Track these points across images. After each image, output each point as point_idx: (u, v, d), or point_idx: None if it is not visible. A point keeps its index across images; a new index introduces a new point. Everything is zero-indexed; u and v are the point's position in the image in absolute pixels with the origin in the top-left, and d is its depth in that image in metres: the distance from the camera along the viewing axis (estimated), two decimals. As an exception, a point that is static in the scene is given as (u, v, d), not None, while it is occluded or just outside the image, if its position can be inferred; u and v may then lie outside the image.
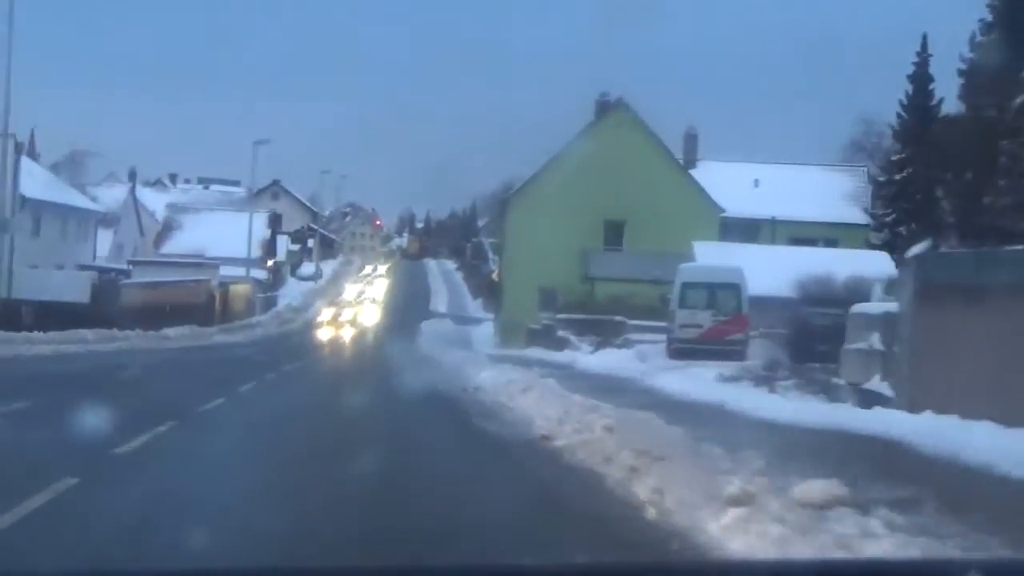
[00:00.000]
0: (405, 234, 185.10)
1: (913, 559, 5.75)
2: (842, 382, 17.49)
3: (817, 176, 60.23)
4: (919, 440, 10.09)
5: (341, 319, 72.97)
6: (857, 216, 58.05)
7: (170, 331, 50.84)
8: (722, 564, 5.85)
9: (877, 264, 44.98)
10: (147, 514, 7.68)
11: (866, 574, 4.40)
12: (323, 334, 58.84)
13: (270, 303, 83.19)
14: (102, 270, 67.33)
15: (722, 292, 36.88)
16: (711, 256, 43.58)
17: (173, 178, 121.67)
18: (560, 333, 42.87)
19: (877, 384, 15.66)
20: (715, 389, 19.82)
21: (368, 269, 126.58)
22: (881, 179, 56.80)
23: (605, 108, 56.21)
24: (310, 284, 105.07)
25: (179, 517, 7.44)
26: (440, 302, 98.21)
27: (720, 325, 36.25)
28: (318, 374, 27.82)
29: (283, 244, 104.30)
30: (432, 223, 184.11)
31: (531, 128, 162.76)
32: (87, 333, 43.68)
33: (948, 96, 51.30)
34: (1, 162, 38.47)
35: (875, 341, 15.81)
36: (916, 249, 17.96)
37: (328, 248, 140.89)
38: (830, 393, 17.73)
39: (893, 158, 54.82)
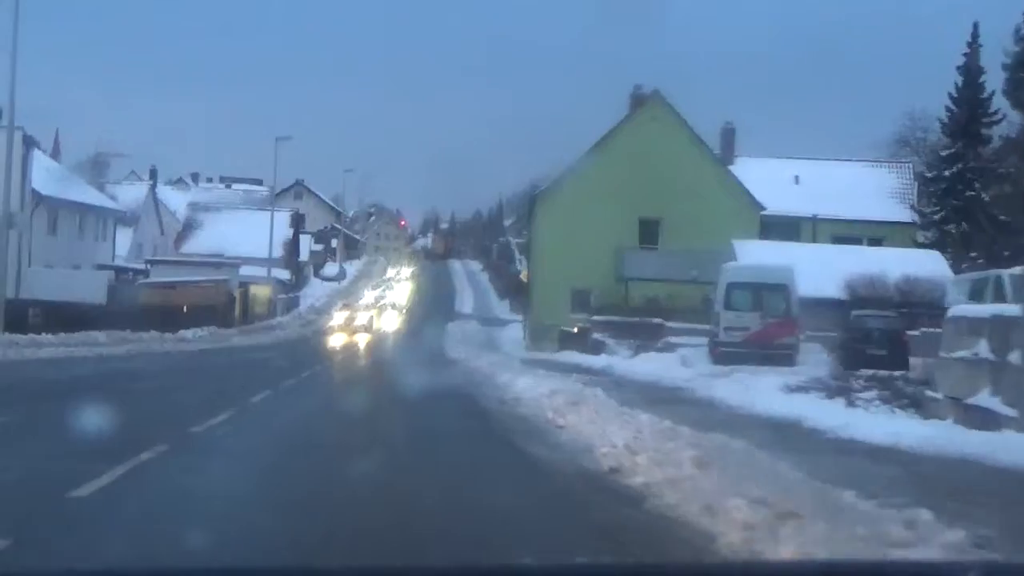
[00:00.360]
0: (429, 235, 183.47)
1: (913, 561, 5.53)
2: (939, 396, 15.20)
3: (860, 172, 57.76)
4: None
5: (355, 324, 66.35)
6: (902, 214, 55.53)
7: (188, 333, 49.23)
8: (722, 564, 5.80)
9: (929, 264, 42.57)
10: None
11: (866, 575, 4.38)
12: (336, 340, 54.33)
13: (292, 304, 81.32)
14: (120, 270, 65.68)
15: (770, 293, 34.62)
16: (754, 255, 41.28)
17: (195, 177, 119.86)
18: (595, 336, 40.65)
19: (986, 399, 13.38)
20: (785, 402, 17.62)
21: (391, 272, 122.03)
22: (929, 175, 54.29)
23: (639, 101, 53.87)
24: (334, 285, 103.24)
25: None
26: (466, 303, 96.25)
27: (769, 328, 33.99)
28: (338, 382, 25.62)
29: (306, 244, 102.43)
30: (457, 223, 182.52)
31: (560, 125, 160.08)
32: (100, 335, 42.05)
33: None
34: (7, 155, 36.44)
35: (982, 349, 13.51)
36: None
37: (352, 248, 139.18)
38: (923, 408, 15.46)
39: (942, 153, 52.33)
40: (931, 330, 38.39)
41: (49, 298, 47.88)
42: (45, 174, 60.65)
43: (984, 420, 13.07)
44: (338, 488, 8.64)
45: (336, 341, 52.43)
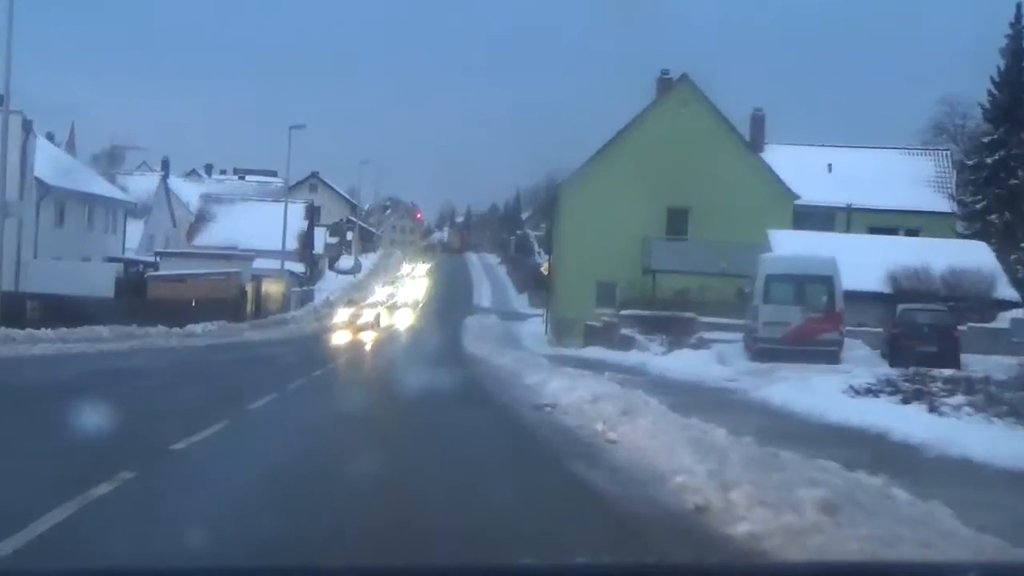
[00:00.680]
0: (445, 228, 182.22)
1: (913, 561, 5.32)
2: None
3: (896, 160, 55.47)
4: None
5: (360, 321, 60.53)
6: (940, 203, 53.30)
7: (197, 327, 47.49)
8: (722, 565, 5.56)
9: (975, 255, 40.26)
10: None
11: (866, 575, 4.30)
12: (340, 338, 49.03)
13: (306, 297, 79.42)
14: (129, 262, 63.84)
15: (813, 286, 32.49)
16: (790, 246, 39.06)
17: (208, 169, 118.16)
18: (624, 331, 38.53)
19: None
20: (857, 408, 15.50)
21: (406, 268, 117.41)
22: (970, 162, 51.96)
23: (666, 87, 51.66)
24: (349, 278, 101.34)
25: None
26: (484, 297, 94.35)
27: (811, 323, 31.86)
28: (351, 384, 23.47)
29: (321, 237, 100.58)
30: (473, 217, 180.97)
31: (580, 115, 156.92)
32: (103, 330, 40.24)
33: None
34: (1, 140, 34.51)
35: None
36: None
37: (368, 241, 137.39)
38: (1027, 418, 13.31)
39: (984, 139, 50.03)
40: (979, 325, 36.46)
41: (54, 291, 46.09)
42: (53, 164, 59.07)
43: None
44: (348, 540, 6.54)
45: (341, 339, 47.81)
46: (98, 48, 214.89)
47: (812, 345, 31.49)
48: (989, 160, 48.84)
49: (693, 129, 48.87)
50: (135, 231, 73.94)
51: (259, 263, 67.50)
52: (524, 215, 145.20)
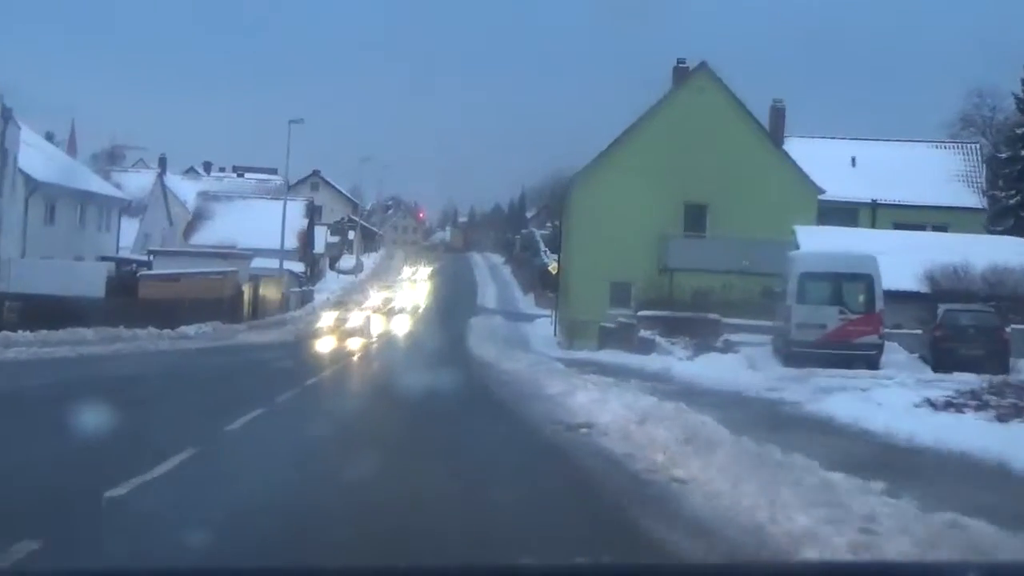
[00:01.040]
0: (448, 228, 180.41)
1: (913, 562, 5.30)
2: None
3: (922, 154, 52.94)
4: None
5: (347, 326, 52.64)
6: (970, 199, 50.84)
7: (190, 329, 45.30)
8: (722, 565, 5.59)
9: (1016, 252, 37.74)
10: None
11: (866, 575, 4.27)
12: (326, 345, 42.54)
13: (306, 298, 77.03)
14: (122, 262, 61.46)
15: (851, 285, 30.08)
16: (818, 243, 36.59)
17: (207, 167, 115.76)
18: (642, 333, 36.10)
19: None
20: (945, 426, 13.07)
21: (407, 271, 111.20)
22: (1001, 155, 49.48)
23: (683, 76, 49.12)
24: (350, 278, 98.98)
25: None
26: (488, 297, 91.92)
27: (849, 325, 29.43)
28: (349, 396, 20.90)
29: (321, 236, 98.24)
30: (476, 216, 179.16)
31: (591, 108, 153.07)
32: (88, 332, 38.04)
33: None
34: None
35: None
36: None
37: (370, 241, 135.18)
38: None
39: (1017, 131, 47.58)
40: (1022, 327, 34.03)
41: (41, 291, 43.86)
42: (44, 160, 56.92)
43: None
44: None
45: (326, 346, 41.62)
46: (98, 48, 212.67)
47: (850, 349, 29.15)
48: (1023, 153, 46.37)
49: (711, 120, 46.35)
50: (130, 229, 71.61)
51: (258, 262, 65.34)
52: (529, 214, 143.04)
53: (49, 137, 79.83)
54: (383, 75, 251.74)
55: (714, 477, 8.37)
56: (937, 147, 54.82)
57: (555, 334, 54.86)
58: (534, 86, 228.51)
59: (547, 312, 67.55)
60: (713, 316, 35.62)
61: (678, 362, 30.10)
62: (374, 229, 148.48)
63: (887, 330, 31.72)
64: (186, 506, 7.66)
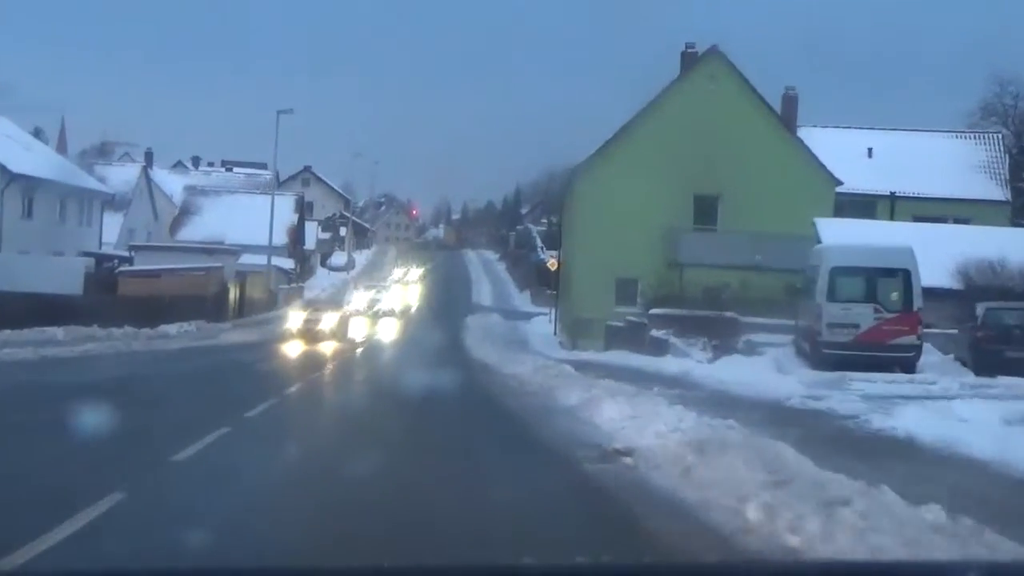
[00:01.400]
0: (441, 225, 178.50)
1: (913, 561, 5.33)
2: None
3: (941, 144, 50.44)
4: None
5: (317, 329, 43.54)
6: (992, 191, 48.37)
7: (171, 328, 42.94)
8: (722, 565, 5.52)
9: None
10: None
11: (866, 575, 4.23)
12: (295, 349, 36.71)
13: (296, 295, 74.40)
14: (103, 257, 58.88)
15: (886, 280, 27.59)
16: (839, 236, 34.02)
17: (196, 161, 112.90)
18: (654, 333, 33.53)
19: None
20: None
21: (398, 273, 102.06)
22: (1026, 146, 47.08)
23: (692, 62, 46.48)
24: (342, 275, 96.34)
25: None
26: (484, 295, 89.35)
27: (884, 324, 26.90)
28: (335, 405, 18.26)
29: (312, 231, 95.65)
30: (469, 213, 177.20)
31: (591, 99, 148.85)
32: (58, 331, 35.82)
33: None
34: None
35: None
36: None
37: (362, 237, 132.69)
38: None
39: (1045, 119, 45.18)
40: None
41: (14, 288, 41.50)
42: (21, 151, 54.57)
43: None
44: None
45: (297, 350, 36.06)
46: (89, 44, 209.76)
47: (885, 351, 26.66)
48: (1051, 142, 43.98)
49: (723, 107, 43.73)
50: (114, 225, 69.10)
51: (246, 258, 63.06)
52: (523, 210, 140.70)
53: (38, 133, 77.63)
54: (375, 71, 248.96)
55: (844, 549, 5.80)
56: (957, 137, 52.32)
57: (555, 333, 52.34)
58: (528, 79, 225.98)
59: (545, 310, 65.19)
60: (730, 315, 33.02)
61: (697, 365, 27.59)
62: (366, 226, 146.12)
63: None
64: None
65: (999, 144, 51.15)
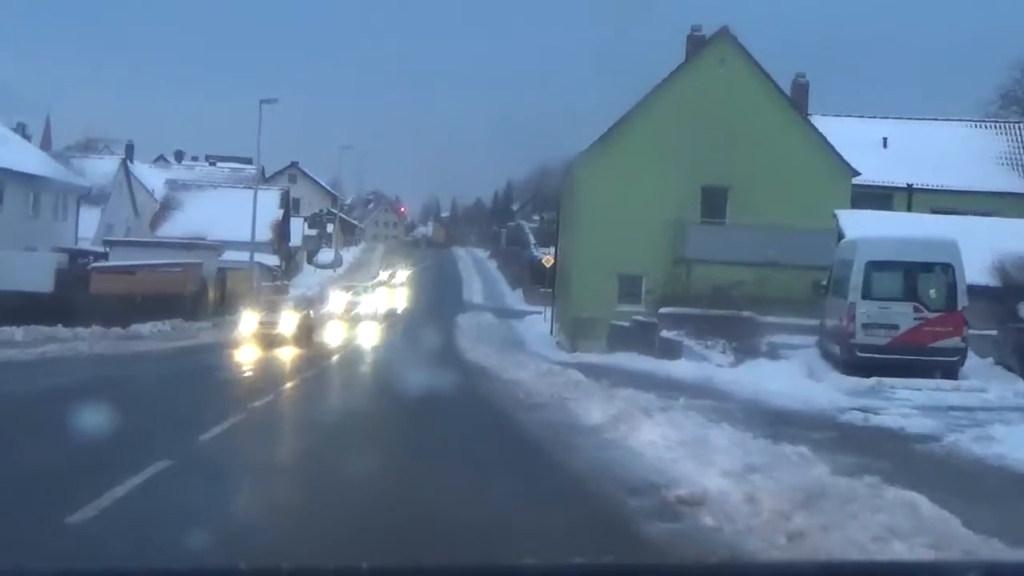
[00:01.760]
0: (430, 222, 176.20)
1: (913, 561, 5.28)
2: None
3: (960, 134, 47.89)
4: None
5: (273, 332, 36.47)
6: (1016, 182, 45.85)
7: (145, 327, 40.56)
8: (722, 564, 5.38)
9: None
10: None
11: (866, 575, 4.16)
12: (247, 354, 31.20)
13: (280, 293, 71.62)
14: (77, 253, 56.17)
15: (927, 276, 25.00)
16: (864, 229, 31.32)
17: (179, 156, 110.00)
18: (665, 334, 30.90)
19: None
20: None
21: (384, 275, 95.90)
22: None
23: (699, 45, 43.78)
24: (328, 273, 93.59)
25: None
26: (475, 293, 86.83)
27: (925, 325, 24.30)
28: (308, 424, 15.01)
29: (298, 228, 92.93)
30: (459, 210, 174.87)
31: (586, 91, 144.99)
32: (16, 331, 33.51)
33: None
34: None
35: None
36: None
37: (349, 234, 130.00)
38: None
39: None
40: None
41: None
42: (-7, 143, 52.11)
43: None
44: None
45: (250, 355, 30.83)
46: (73, 40, 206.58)
47: (926, 355, 24.07)
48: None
49: (733, 93, 41.06)
50: (92, 220, 66.36)
51: (230, 255, 60.35)
52: (514, 207, 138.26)
53: (22, 129, 74.99)
54: (362, 67, 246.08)
55: None
56: (976, 126, 49.75)
57: (552, 333, 49.75)
58: (520, 72, 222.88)
59: (539, 309, 62.73)
60: (747, 314, 30.40)
61: (718, 370, 24.99)
62: (354, 222, 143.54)
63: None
64: None
65: (1020, 133, 48.62)
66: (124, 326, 39.06)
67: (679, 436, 10.95)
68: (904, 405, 18.49)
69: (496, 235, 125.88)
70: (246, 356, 30.56)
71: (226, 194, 78.63)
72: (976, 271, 30.63)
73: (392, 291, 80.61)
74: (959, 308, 24.36)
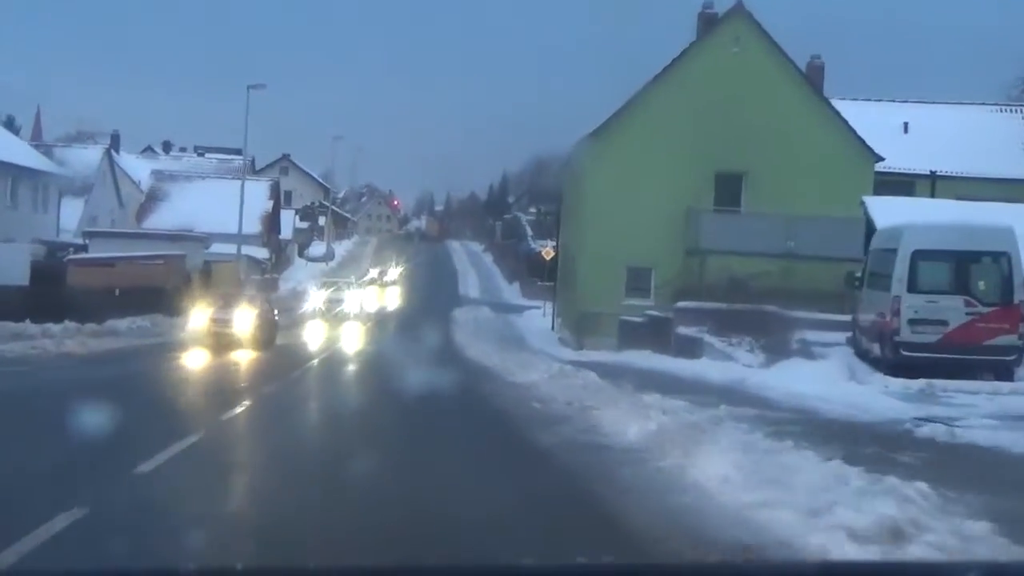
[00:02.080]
0: (423, 216, 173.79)
1: (914, 561, 5.23)
2: None
3: (984, 118, 45.47)
4: None
5: (226, 330, 30.65)
6: (1043, 169, 43.51)
7: (122, 323, 38.09)
8: (723, 564, 5.38)
9: None
10: None
11: (866, 575, 4.12)
12: (198, 359, 26.08)
13: (270, 286, 69.12)
14: (56, 245, 53.74)
15: (979, 267, 22.51)
16: (896, 217, 28.79)
17: (167, 146, 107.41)
18: (682, 330, 28.46)
19: None
20: None
21: (374, 273, 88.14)
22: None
23: (712, 23, 41.27)
24: (320, 266, 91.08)
25: None
26: (471, 287, 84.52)
27: (978, 321, 21.85)
28: (273, 454, 11.38)
29: (289, 220, 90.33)
30: (453, 204, 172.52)
31: (584, 81, 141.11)
32: (-24, 330, 30.76)
33: None
34: None
35: None
36: None
37: (342, 228, 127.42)
38: None
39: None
40: None
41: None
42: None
43: None
44: None
45: (188, 363, 24.97)
46: (64, 32, 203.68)
47: (978, 354, 21.67)
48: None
49: (748, 74, 38.55)
50: (75, 211, 63.95)
51: (217, 247, 58.24)
52: (509, 200, 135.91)
53: (11, 122, 72.74)
54: (355, 59, 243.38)
55: None
56: (1001, 111, 47.35)
57: (554, 329, 47.30)
58: (516, 62, 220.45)
59: (537, 303, 60.47)
60: (771, 308, 27.93)
61: (747, 370, 22.57)
62: (347, 216, 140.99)
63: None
64: None
65: (1046, 118, 46.28)
66: (100, 322, 36.63)
67: (753, 466, 8.51)
68: (973, 413, 16.12)
69: (492, 228, 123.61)
70: (181, 365, 24.47)
71: (214, 185, 76.31)
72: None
73: (383, 288, 77.19)
74: (1016, 302, 21.92)
